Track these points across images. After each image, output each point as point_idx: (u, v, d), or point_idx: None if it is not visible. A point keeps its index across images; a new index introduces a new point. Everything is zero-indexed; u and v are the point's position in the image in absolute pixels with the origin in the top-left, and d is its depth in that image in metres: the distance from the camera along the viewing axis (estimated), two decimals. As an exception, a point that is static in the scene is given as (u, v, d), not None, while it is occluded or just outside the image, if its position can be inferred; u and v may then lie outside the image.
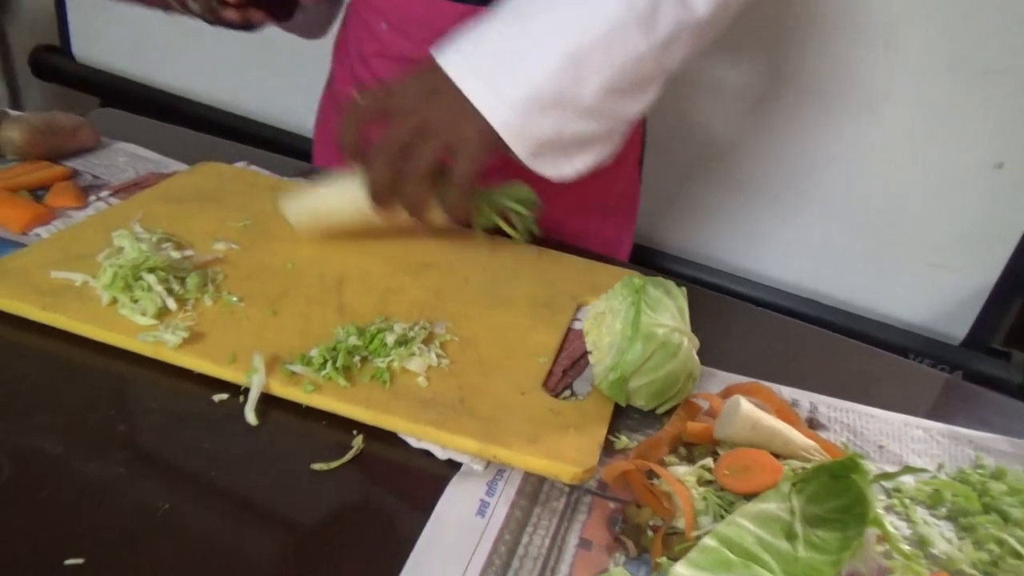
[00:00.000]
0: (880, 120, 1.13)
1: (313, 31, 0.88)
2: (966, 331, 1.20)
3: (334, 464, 0.46)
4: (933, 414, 0.58)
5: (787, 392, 0.59)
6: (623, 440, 0.51)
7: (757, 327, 0.71)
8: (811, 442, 0.50)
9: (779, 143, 1.22)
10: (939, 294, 1.19)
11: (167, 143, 0.83)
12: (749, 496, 0.44)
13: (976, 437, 0.56)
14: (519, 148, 0.57)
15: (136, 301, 0.54)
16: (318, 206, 0.64)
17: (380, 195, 0.59)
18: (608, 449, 0.51)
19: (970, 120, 1.08)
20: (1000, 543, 0.47)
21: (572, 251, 0.72)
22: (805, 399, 0.59)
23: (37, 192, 0.69)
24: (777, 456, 0.49)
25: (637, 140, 0.90)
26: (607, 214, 0.89)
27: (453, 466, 0.47)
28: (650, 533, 0.44)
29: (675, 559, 0.41)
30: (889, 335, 1.21)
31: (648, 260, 1.36)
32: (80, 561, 0.38)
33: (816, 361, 0.66)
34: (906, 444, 0.55)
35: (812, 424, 0.56)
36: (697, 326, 0.56)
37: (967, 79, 1.06)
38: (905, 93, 1.10)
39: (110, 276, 0.54)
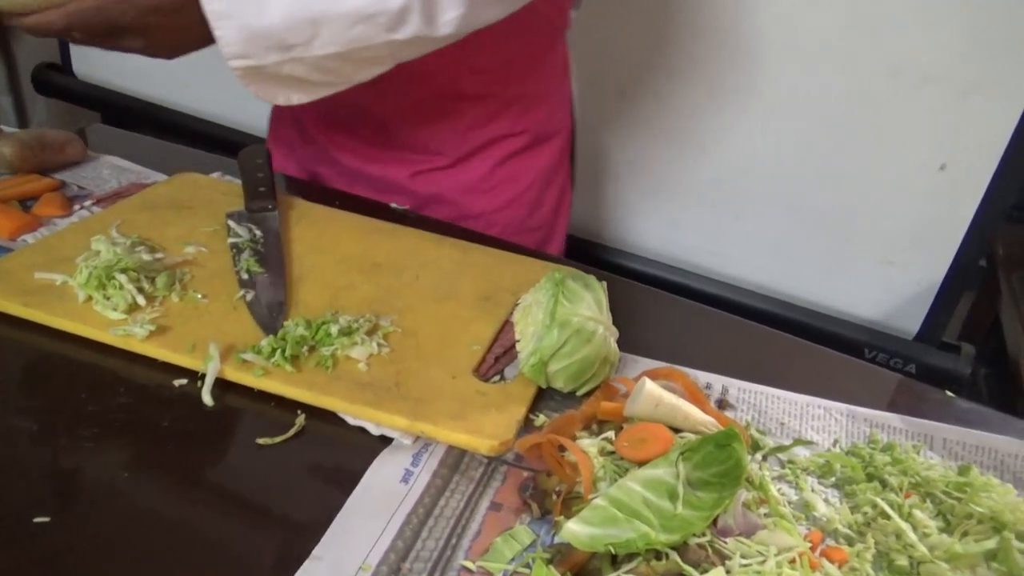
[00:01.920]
0: (828, 124, 1.19)
1: None
2: (918, 326, 1.25)
3: (277, 439, 0.52)
4: (836, 394, 0.64)
5: (703, 376, 0.64)
6: (541, 418, 0.57)
7: (688, 319, 0.77)
8: (709, 418, 0.55)
9: (732, 144, 1.28)
10: (892, 290, 1.24)
11: (152, 156, 0.90)
12: (643, 464, 0.50)
13: (871, 415, 0.61)
14: (235, 66, 0.63)
15: (109, 298, 0.60)
16: None
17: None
18: (529, 427, 0.56)
19: (913, 125, 1.13)
20: (874, 506, 0.52)
21: (515, 249, 0.78)
22: (718, 382, 0.64)
23: (26, 202, 0.75)
24: (678, 431, 0.55)
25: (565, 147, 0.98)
26: (535, 208, 0.97)
27: (385, 441, 0.53)
28: (554, 497, 0.50)
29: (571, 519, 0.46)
30: (845, 330, 1.26)
31: (605, 258, 1.42)
32: (47, 519, 0.44)
33: (739, 350, 0.72)
34: (806, 421, 0.61)
35: (721, 404, 0.62)
36: (627, 318, 0.62)
37: (910, 85, 1.11)
38: (851, 99, 1.16)
39: (85, 276, 0.60)
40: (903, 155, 1.15)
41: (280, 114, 1.01)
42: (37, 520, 0.44)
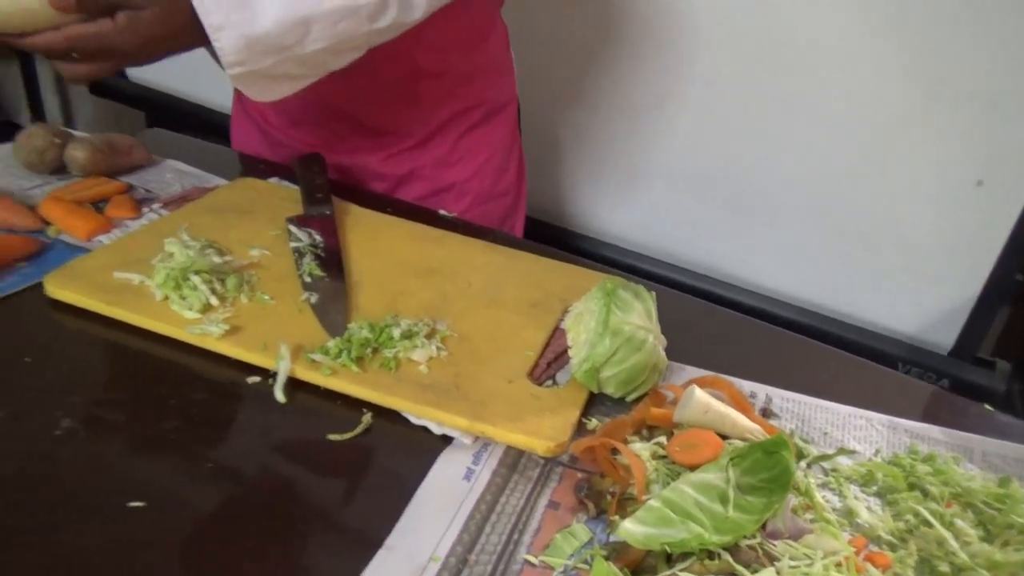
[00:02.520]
0: (867, 138, 1.20)
1: None
2: (953, 340, 1.25)
3: (347, 435, 0.55)
4: (876, 405, 0.66)
5: (747, 385, 0.67)
6: (594, 422, 0.60)
7: (730, 329, 0.79)
8: (756, 426, 0.58)
9: (771, 156, 1.29)
10: (926, 304, 1.25)
11: (209, 160, 0.94)
12: (695, 468, 0.52)
13: (911, 426, 0.63)
14: (233, 73, 0.67)
15: (184, 298, 0.63)
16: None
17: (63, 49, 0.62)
18: (582, 430, 0.59)
19: (950, 140, 1.14)
20: (916, 514, 0.54)
21: (562, 258, 0.81)
22: (762, 391, 0.66)
23: (98, 204, 0.79)
24: (725, 437, 0.57)
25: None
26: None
27: (447, 440, 0.56)
28: (609, 497, 0.52)
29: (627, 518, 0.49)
30: (878, 343, 1.27)
31: (639, 268, 1.45)
32: (142, 504, 0.47)
33: (781, 360, 0.74)
34: (849, 431, 0.63)
35: (765, 413, 0.64)
36: (673, 326, 0.64)
37: (947, 100, 1.12)
38: (890, 113, 1.17)
39: (163, 277, 0.64)
40: (939, 170, 1.16)
41: (240, 120, 1.06)
42: (132, 504, 0.47)
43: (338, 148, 0.98)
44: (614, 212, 1.48)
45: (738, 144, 1.31)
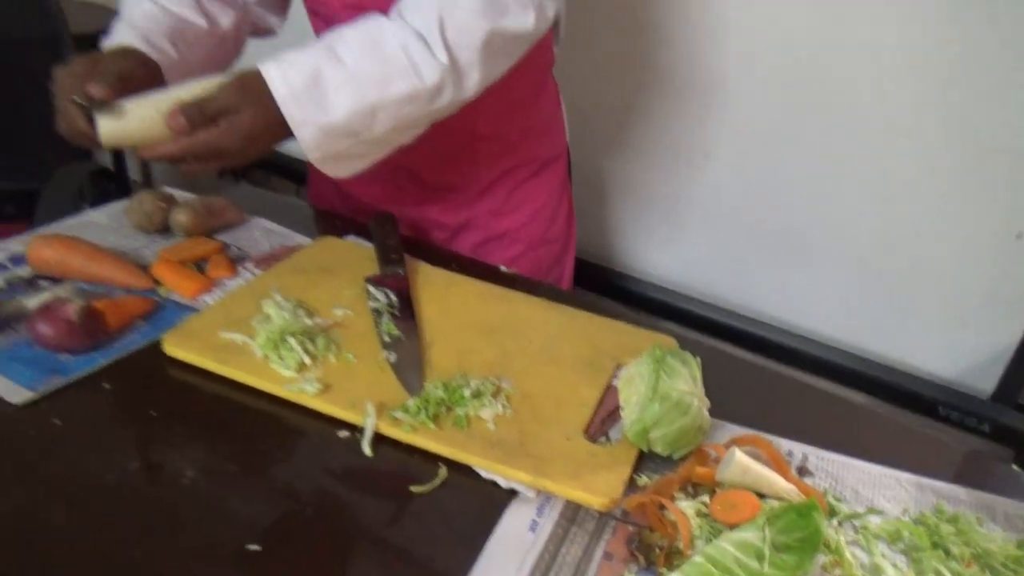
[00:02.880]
0: (908, 187, 1.25)
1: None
2: (994, 385, 1.28)
3: (427, 487, 0.63)
4: (908, 464, 0.71)
5: (784, 444, 0.73)
6: (644, 479, 0.66)
7: (770, 386, 0.85)
8: (791, 486, 0.64)
9: (812, 202, 1.35)
10: (966, 349, 1.28)
11: (290, 216, 1.03)
12: (734, 526, 0.59)
13: (939, 487, 0.69)
14: (314, 157, 0.77)
15: (282, 358, 0.72)
16: (127, 112, 0.73)
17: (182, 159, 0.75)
18: (633, 486, 0.66)
19: (989, 192, 1.18)
20: (938, 573, 0.59)
21: (612, 311, 0.88)
22: (799, 450, 0.72)
23: (199, 263, 0.89)
24: (763, 496, 0.63)
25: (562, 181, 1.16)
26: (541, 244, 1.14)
27: (513, 493, 0.64)
28: (657, 551, 0.59)
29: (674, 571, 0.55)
30: (918, 387, 1.31)
31: (683, 308, 1.51)
32: (258, 547, 0.56)
33: (818, 417, 0.79)
34: (878, 490, 0.68)
35: (801, 471, 0.70)
36: (717, 385, 0.71)
37: (989, 154, 1.16)
38: (930, 163, 1.22)
39: (264, 338, 0.73)
40: (980, 222, 1.20)
41: (316, 173, 1.16)
42: (250, 547, 0.56)
43: (403, 200, 1.07)
44: (659, 254, 1.54)
45: (779, 190, 1.37)
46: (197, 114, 0.72)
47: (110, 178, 1.58)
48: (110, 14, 2.40)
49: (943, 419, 1.28)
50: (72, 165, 1.46)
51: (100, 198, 1.51)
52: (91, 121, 0.74)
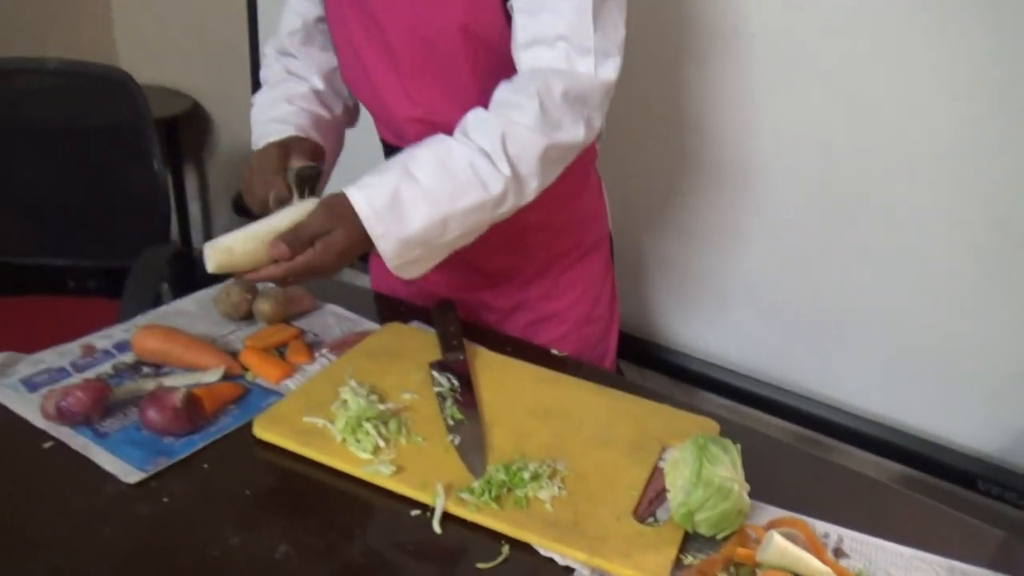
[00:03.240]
0: (946, 276, 1.30)
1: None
2: (1035, 462, 1.30)
3: (492, 564, 0.70)
4: (940, 548, 0.75)
5: (821, 526, 0.78)
6: (689, 559, 0.72)
7: (807, 469, 0.90)
8: (827, 568, 0.69)
9: (850, 281, 1.40)
10: (1005, 424, 1.31)
11: (356, 301, 1.13)
12: (774, 606, 0.64)
13: (967, 569, 0.73)
14: (392, 264, 0.86)
15: (359, 441, 0.80)
16: (233, 248, 0.83)
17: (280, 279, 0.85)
18: (679, 565, 0.72)
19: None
20: (968, 655, 0.64)
21: (656, 395, 0.95)
22: (835, 532, 0.77)
23: (280, 349, 0.99)
24: (801, 577, 0.69)
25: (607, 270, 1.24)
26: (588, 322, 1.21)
27: (569, 570, 0.70)
28: (703, 627, 0.65)
29: (718, 646, 0.61)
30: (958, 461, 1.33)
31: (722, 381, 1.57)
32: (346, 618, 0.63)
33: (854, 499, 0.84)
34: (910, 572, 0.73)
35: (837, 553, 0.75)
36: (757, 469, 0.77)
37: (1019, 238, 1.22)
38: (968, 252, 1.27)
39: (342, 423, 0.81)
40: (1013, 304, 1.25)
41: (378, 259, 1.27)
42: (339, 619, 0.63)
43: (459, 285, 1.17)
44: (700, 329, 1.60)
45: (814, 273, 1.43)
46: (295, 240, 0.82)
47: (179, 257, 1.70)
48: (184, 99, 2.60)
49: (983, 493, 1.30)
50: (157, 247, 1.59)
51: (174, 277, 1.65)
52: (289, 189, 0.88)
